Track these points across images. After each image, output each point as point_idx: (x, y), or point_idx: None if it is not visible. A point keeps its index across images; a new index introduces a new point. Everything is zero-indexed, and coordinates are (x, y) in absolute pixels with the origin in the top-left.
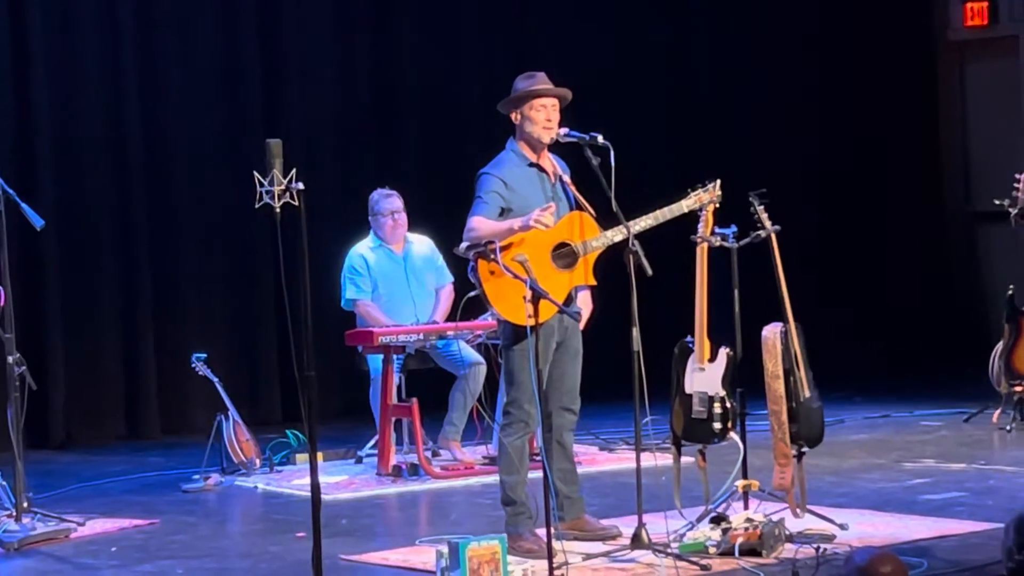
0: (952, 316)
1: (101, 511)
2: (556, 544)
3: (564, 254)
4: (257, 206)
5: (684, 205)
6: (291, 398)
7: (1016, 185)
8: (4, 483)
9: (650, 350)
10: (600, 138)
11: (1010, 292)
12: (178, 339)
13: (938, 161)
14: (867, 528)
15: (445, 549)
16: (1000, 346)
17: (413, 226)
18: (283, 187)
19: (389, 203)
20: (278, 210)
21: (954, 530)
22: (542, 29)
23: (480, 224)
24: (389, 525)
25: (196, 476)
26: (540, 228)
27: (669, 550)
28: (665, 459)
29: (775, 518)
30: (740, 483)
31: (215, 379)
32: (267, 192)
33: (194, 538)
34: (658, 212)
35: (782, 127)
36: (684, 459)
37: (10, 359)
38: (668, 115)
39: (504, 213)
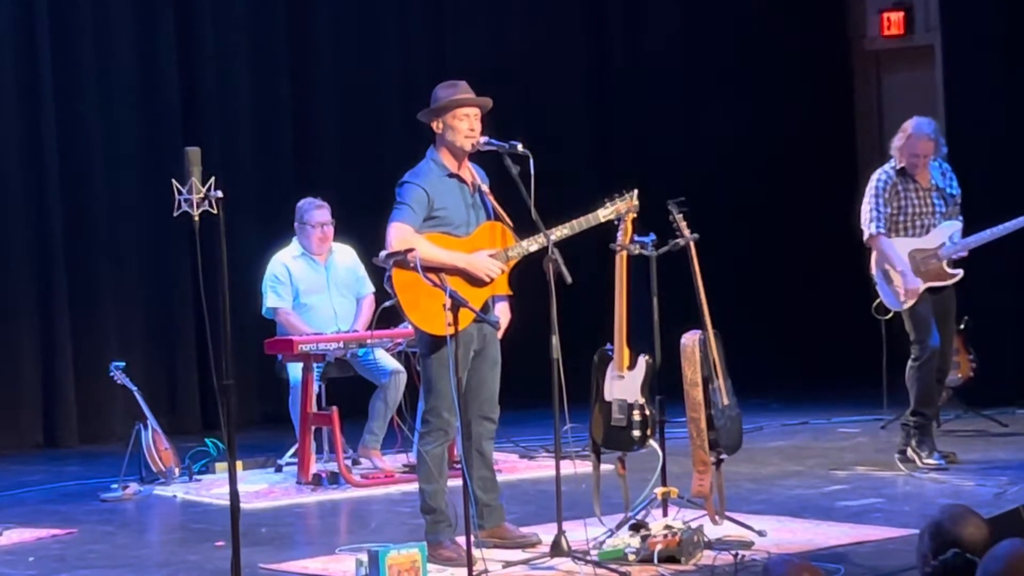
0: (869, 323)
1: (18, 520)
2: (476, 552)
3: None
4: (175, 214)
5: (601, 215)
6: (210, 406)
7: None
8: None
9: (569, 358)
10: (520, 147)
11: None
12: (96, 347)
13: (855, 170)
14: (785, 535)
15: (365, 557)
16: None
17: (333, 236)
18: (202, 195)
19: (320, 214)
20: (196, 218)
21: (871, 536)
22: (461, 36)
23: (421, 244)
24: (309, 534)
25: (114, 485)
26: (484, 278)
27: (588, 557)
28: (585, 467)
29: (694, 525)
30: (659, 490)
31: (133, 387)
32: (185, 200)
33: (112, 547)
34: (574, 222)
35: (700, 136)
36: (604, 466)
37: None
38: (588, 122)
39: (426, 221)
